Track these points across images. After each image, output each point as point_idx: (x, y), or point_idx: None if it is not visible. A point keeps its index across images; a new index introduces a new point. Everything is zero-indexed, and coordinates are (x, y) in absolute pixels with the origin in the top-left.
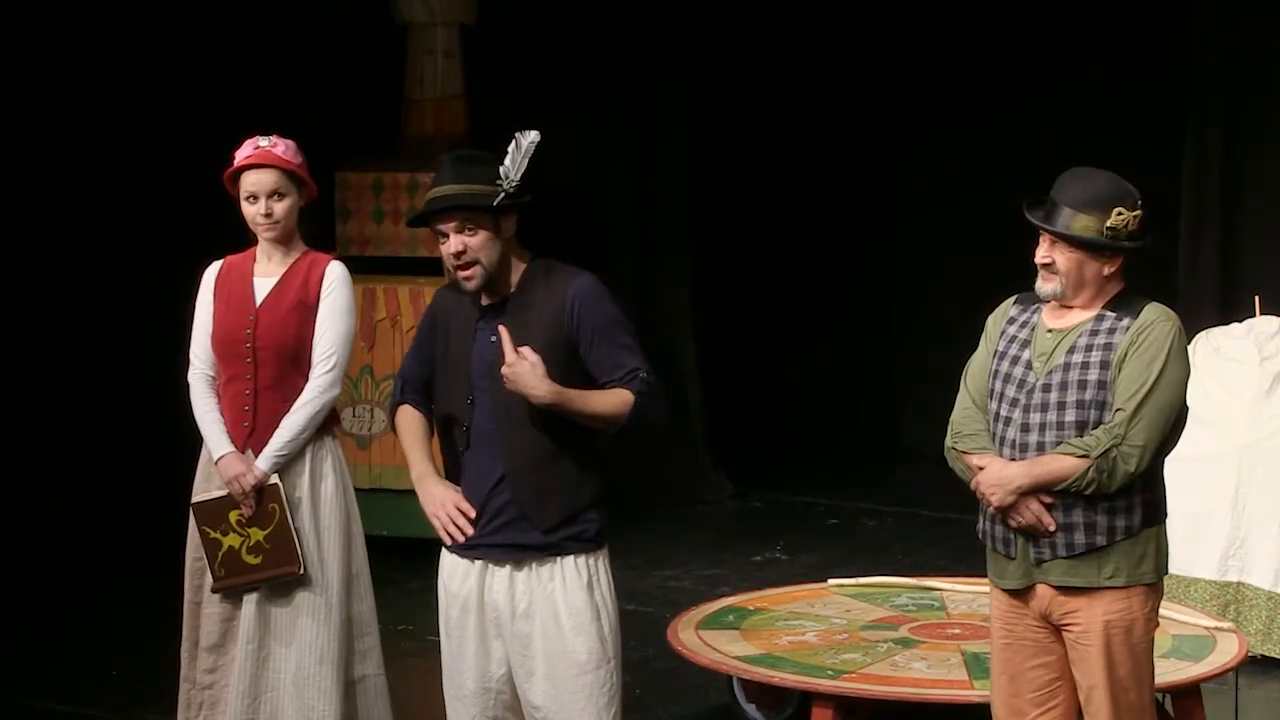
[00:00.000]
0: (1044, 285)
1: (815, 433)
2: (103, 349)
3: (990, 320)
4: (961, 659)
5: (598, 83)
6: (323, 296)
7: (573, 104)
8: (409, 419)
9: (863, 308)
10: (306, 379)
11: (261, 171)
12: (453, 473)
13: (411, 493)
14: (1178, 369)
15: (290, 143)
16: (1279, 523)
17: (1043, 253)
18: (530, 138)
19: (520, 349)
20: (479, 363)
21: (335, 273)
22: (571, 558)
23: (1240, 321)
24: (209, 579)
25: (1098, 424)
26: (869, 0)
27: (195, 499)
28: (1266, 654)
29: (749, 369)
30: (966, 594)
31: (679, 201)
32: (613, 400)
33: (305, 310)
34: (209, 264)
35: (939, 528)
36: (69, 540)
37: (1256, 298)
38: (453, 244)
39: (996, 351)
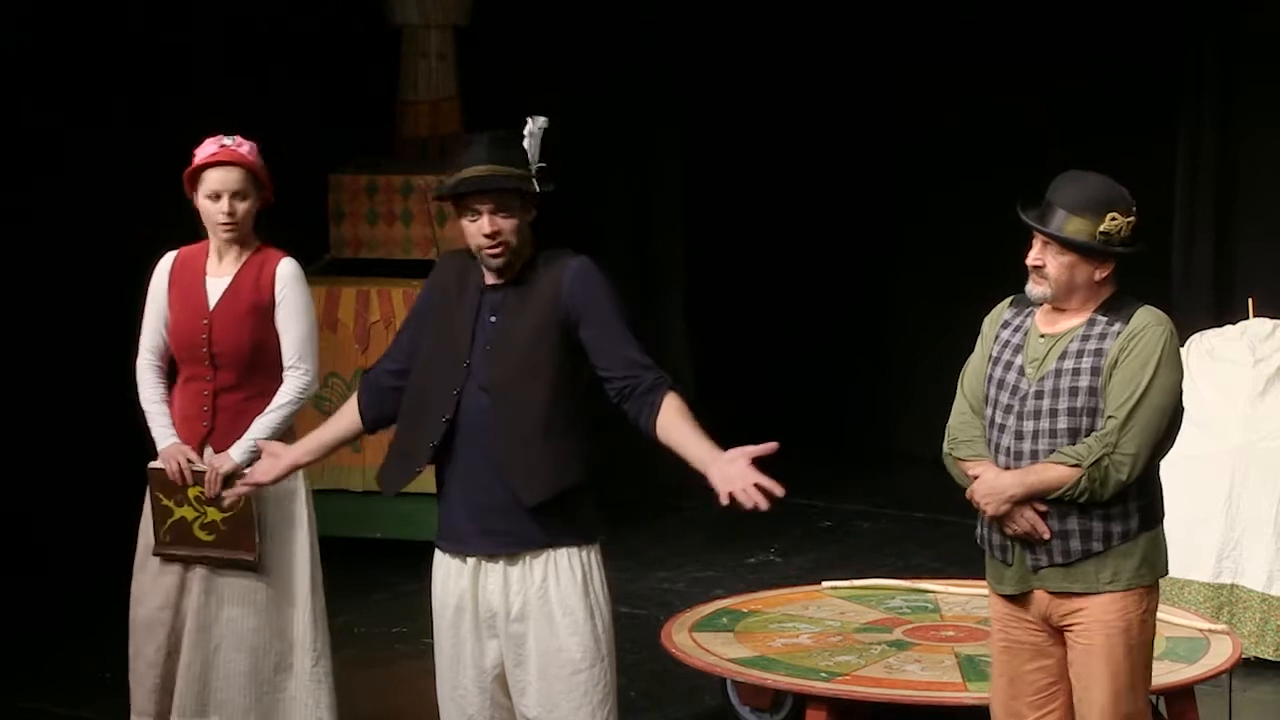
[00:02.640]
0: (1034, 288)
1: (809, 435)
2: (91, 344)
3: (986, 322)
4: (955, 661)
5: (592, 84)
6: (278, 298)
7: (567, 105)
8: (346, 409)
9: (858, 310)
10: (267, 375)
11: (227, 170)
12: (417, 446)
13: (405, 495)
14: (1169, 375)
15: (253, 144)
16: (1273, 524)
17: (1034, 255)
18: (539, 122)
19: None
20: (479, 345)
21: (287, 271)
22: (565, 552)
23: (1234, 324)
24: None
25: (1090, 431)
26: (863, 6)
27: (152, 465)
28: (1260, 656)
29: (743, 371)
30: (960, 596)
31: (674, 203)
32: (689, 412)
33: (260, 312)
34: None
35: (933, 530)
36: (64, 541)
37: (1250, 300)
38: (486, 224)
39: (991, 356)
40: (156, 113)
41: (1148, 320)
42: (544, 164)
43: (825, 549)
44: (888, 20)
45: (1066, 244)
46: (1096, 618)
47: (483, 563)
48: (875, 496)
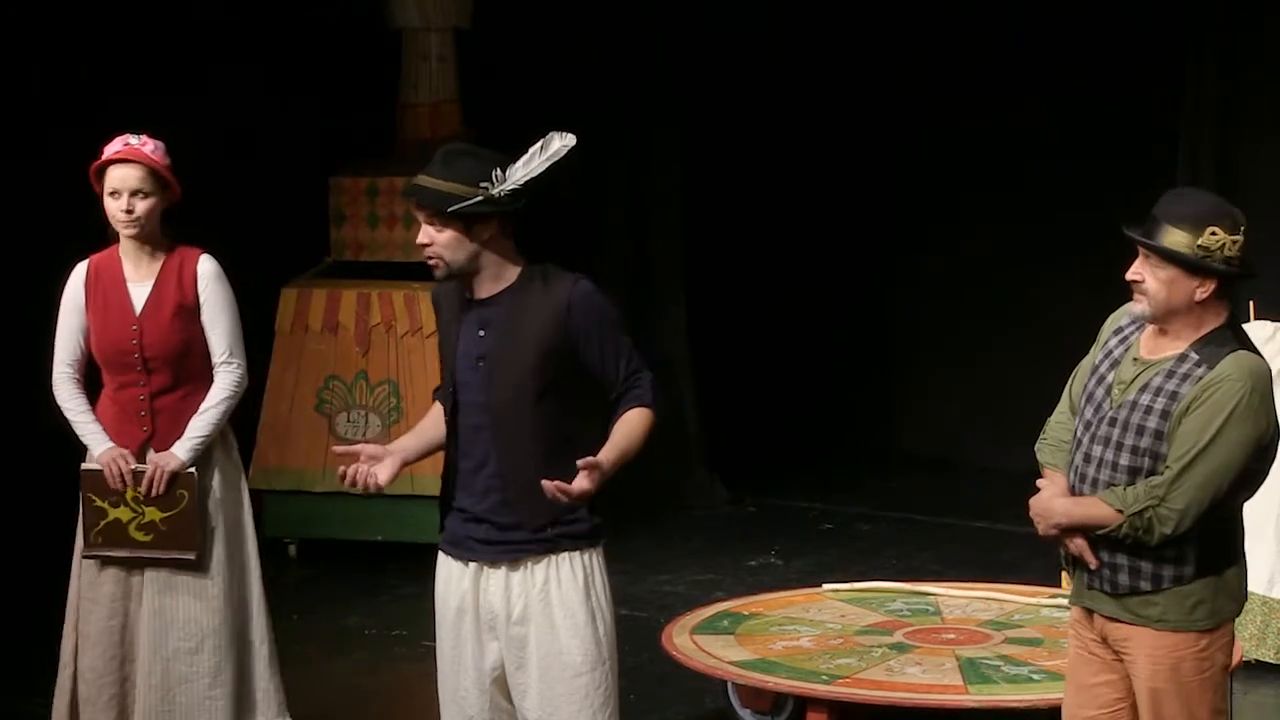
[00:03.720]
0: (1135, 305)
1: (810, 438)
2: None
3: (1105, 324)
4: (956, 664)
5: (592, 88)
6: (201, 297)
7: (567, 110)
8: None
9: (858, 313)
10: (199, 373)
11: (127, 167)
12: (450, 466)
13: (406, 498)
14: (1240, 431)
15: (159, 144)
16: (1274, 527)
17: (1133, 269)
18: (563, 141)
19: (559, 485)
20: (464, 356)
21: (207, 269)
22: (567, 556)
23: None
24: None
25: (1151, 473)
26: (863, 8)
27: (85, 466)
28: (1261, 659)
29: (744, 374)
30: (961, 599)
31: (674, 205)
32: (639, 428)
33: (187, 313)
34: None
35: (933, 532)
36: (56, 540)
37: (1251, 304)
38: (420, 235)
39: (1094, 365)
40: (160, 116)
41: (1230, 371)
42: (523, 184)
43: (826, 551)
44: (888, 26)
45: (1161, 254)
46: (1144, 651)
47: (484, 567)
48: (876, 499)
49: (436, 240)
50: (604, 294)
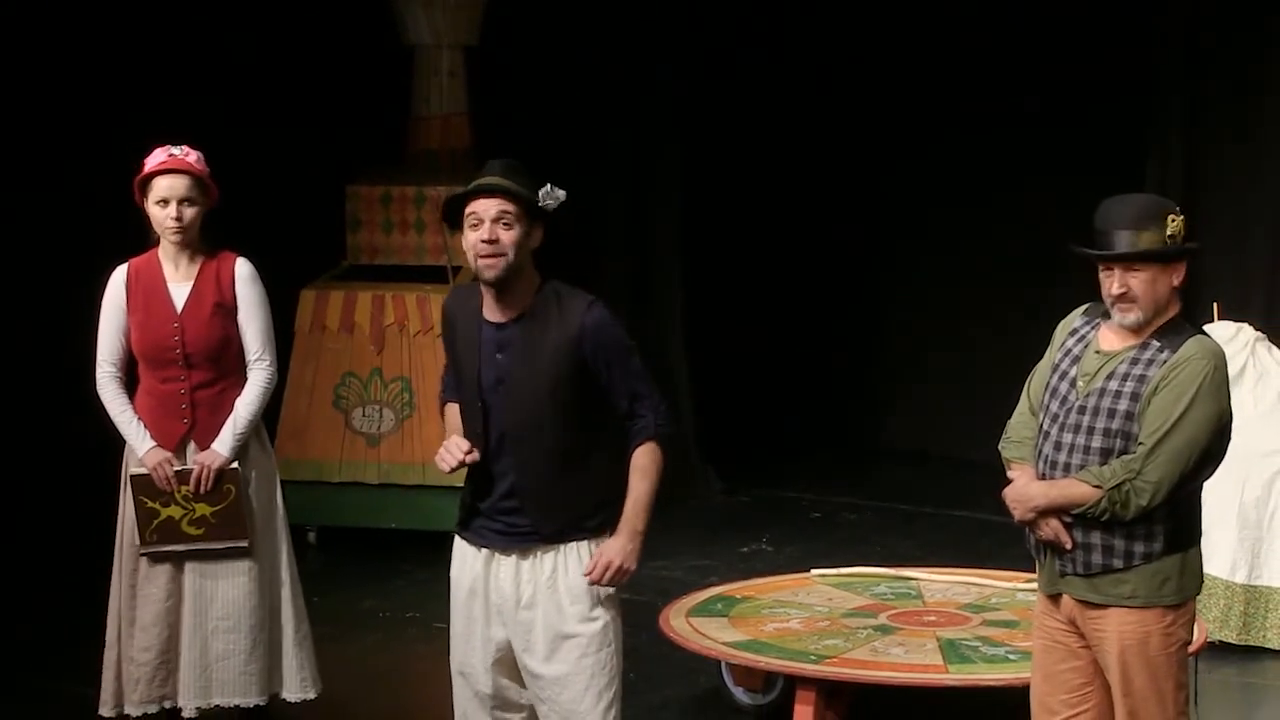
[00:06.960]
0: (1125, 317)
1: (801, 432)
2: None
3: (1058, 328)
4: (937, 645)
5: (595, 97)
6: (239, 296)
7: (571, 117)
8: (451, 411)
9: (848, 312)
10: (235, 368)
11: (175, 177)
12: (472, 473)
13: (418, 488)
14: (1206, 408)
15: (199, 153)
16: (1236, 516)
17: (1118, 285)
18: (557, 195)
19: (598, 566)
20: (488, 378)
21: (244, 271)
22: (574, 545)
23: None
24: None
25: (1123, 453)
26: (859, 23)
27: (134, 471)
28: (1224, 640)
29: (738, 373)
30: (941, 583)
31: (673, 209)
32: (653, 469)
33: (225, 311)
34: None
35: (915, 521)
36: (71, 524)
37: (1215, 305)
38: (485, 231)
39: (1054, 363)
40: (186, 125)
41: (1194, 351)
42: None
43: (814, 539)
44: (885, 35)
45: (1149, 258)
46: (1114, 629)
47: (496, 554)
48: (862, 490)
49: (503, 238)
50: (615, 320)
